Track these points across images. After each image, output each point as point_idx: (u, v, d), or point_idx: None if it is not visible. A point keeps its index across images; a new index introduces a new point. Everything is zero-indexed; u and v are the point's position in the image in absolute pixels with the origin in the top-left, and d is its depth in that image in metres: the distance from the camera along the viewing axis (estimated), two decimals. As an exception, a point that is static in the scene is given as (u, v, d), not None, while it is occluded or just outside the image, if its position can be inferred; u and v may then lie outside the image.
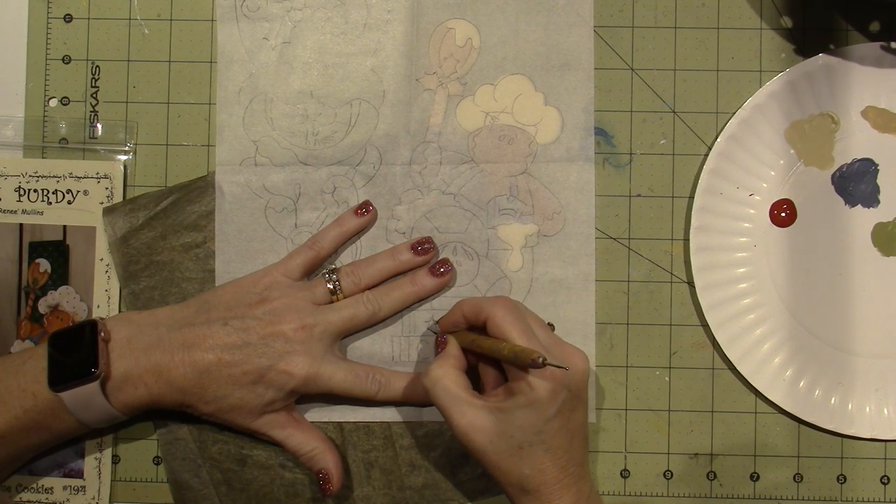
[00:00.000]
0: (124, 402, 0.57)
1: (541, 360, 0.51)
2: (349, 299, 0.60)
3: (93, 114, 0.64)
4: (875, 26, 0.63)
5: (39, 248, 0.63)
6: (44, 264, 0.63)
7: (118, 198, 0.63)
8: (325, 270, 0.62)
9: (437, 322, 0.61)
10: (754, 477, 0.63)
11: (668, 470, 0.63)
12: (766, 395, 0.62)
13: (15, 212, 0.63)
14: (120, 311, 0.63)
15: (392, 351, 0.62)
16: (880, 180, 0.63)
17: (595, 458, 0.63)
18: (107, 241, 0.63)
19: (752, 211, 0.63)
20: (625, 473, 0.63)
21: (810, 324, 0.63)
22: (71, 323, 0.63)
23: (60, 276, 0.63)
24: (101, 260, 0.63)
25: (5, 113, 0.64)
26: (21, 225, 0.63)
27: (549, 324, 0.62)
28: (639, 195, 0.63)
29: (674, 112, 0.63)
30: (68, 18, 0.64)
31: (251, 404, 0.58)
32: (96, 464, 0.63)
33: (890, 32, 0.63)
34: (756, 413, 0.63)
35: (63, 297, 0.63)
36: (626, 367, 0.63)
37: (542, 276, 0.63)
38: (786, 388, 0.62)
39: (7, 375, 0.56)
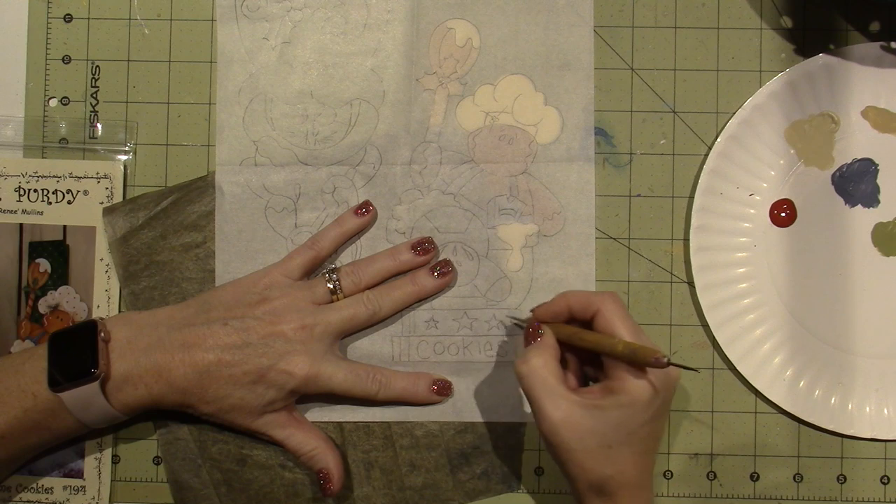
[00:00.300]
0: (124, 403, 0.57)
1: (665, 359, 0.50)
2: (349, 299, 0.60)
3: (93, 114, 0.64)
4: (875, 26, 0.63)
5: (39, 248, 0.63)
6: (44, 264, 0.63)
7: (118, 198, 0.63)
8: (325, 270, 0.62)
9: (532, 311, 0.58)
10: (754, 477, 0.63)
11: (668, 470, 0.63)
12: (766, 395, 0.62)
13: (15, 212, 0.63)
14: (120, 311, 0.63)
15: (392, 351, 0.62)
16: (880, 180, 0.63)
17: (595, 458, 0.63)
18: (107, 241, 0.63)
19: (752, 211, 0.63)
20: (625, 473, 0.63)
21: (810, 324, 0.63)
22: (71, 323, 0.63)
23: (60, 276, 0.63)
24: (101, 260, 0.63)
25: (5, 113, 0.64)
26: (21, 225, 0.63)
27: None
28: (639, 195, 0.63)
29: (674, 112, 0.63)
30: (68, 18, 0.64)
31: (251, 404, 0.58)
32: (96, 464, 0.63)
33: (890, 32, 0.63)
34: (756, 413, 0.63)
35: (63, 297, 0.63)
36: (626, 367, 0.63)
37: (542, 276, 0.63)
38: (786, 388, 0.62)
39: (7, 375, 0.56)
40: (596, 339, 0.54)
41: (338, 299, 0.60)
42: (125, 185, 0.64)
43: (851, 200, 0.63)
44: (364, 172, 0.63)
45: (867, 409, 0.62)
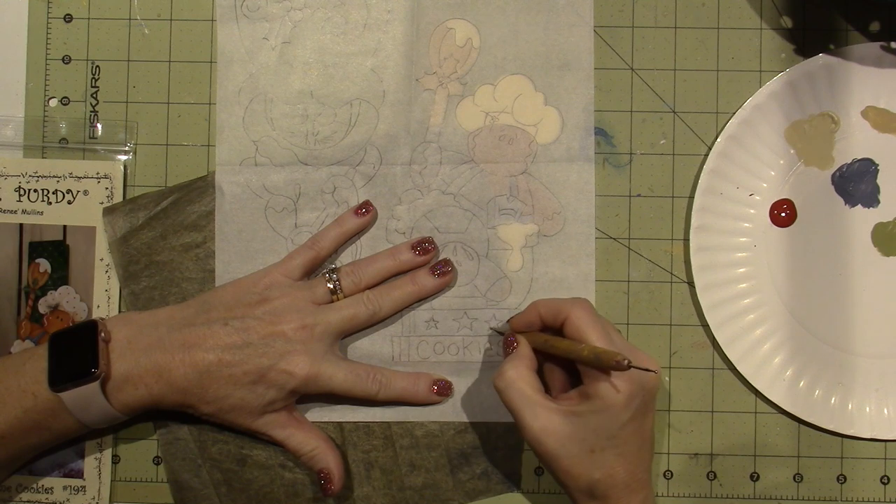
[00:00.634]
0: (124, 403, 0.57)
1: (626, 362, 0.50)
2: (349, 299, 0.60)
3: (93, 114, 0.64)
4: (875, 26, 0.63)
5: (39, 248, 0.63)
6: (44, 264, 0.63)
7: (118, 198, 0.63)
8: (325, 270, 0.62)
9: (508, 321, 0.60)
10: (754, 477, 0.63)
11: (668, 470, 0.63)
12: (766, 395, 0.62)
13: (15, 212, 0.63)
14: (120, 312, 0.63)
15: (392, 351, 0.62)
16: (880, 180, 0.63)
17: (595, 458, 0.63)
18: (107, 241, 0.63)
19: (752, 211, 0.63)
20: (625, 473, 0.63)
21: (810, 324, 0.63)
22: (71, 323, 0.63)
23: (60, 276, 0.63)
24: (101, 260, 0.63)
25: (5, 113, 0.64)
26: (21, 225, 0.63)
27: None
28: (639, 195, 0.63)
29: (674, 112, 0.63)
30: (68, 18, 0.64)
31: (252, 404, 0.58)
32: (96, 464, 0.63)
33: (890, 32, 0.63)
34: (756, 413, 0.63)
35: (63, 297, 0.63)
36: (626, 367, 0.63)
37: (542, 277, 0.63)
38: (786, 388, 0.62)
39: (7, 375, 0.56)
40: (565, 346, 0.55)
41: (338, 299, 0.60)
42: (125, 185, 0.64)
43: (851, 200, 0.63)
44: (364, 172, 0.63)
45: (867, 409, 0.62)
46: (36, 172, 0.63)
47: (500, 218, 0.63)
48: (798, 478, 0.63)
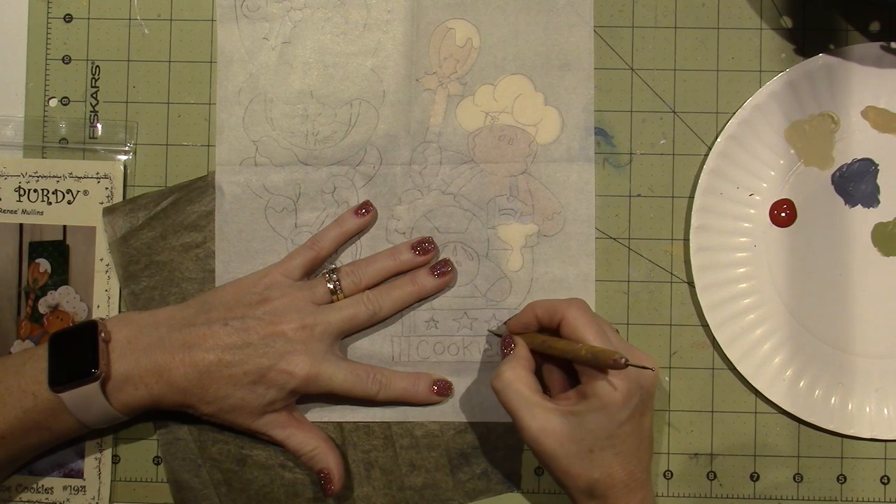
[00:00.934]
0: (124, 403, 0.57)
1: (623, 360, 0.50)
2: (349, 299, 0.60)
3: (93, 114, 0.64)
4: (875, 26, 0.63)
5: (39, 248, 0.63)
6: (44, 264, 0.63)
7: (118, 198, 0.63)
8: (325, 270, 0.62)
9: (506, 323, 0.60)
10: (754, 477, 0.63)
11: (668, 470, 0.63)
12: (766, 395, 0.62)
13: (15, 212, 0.63)
14: (120, 312, 0.63)
15: (392, 351, 0.62)
16: (880, 180, 0.63)
17: (595, 458, 0.63)
18: (107, 241, 0.63)
19: (752, 211, 0.63)
20: (625, 473, 0.63)
21: (810, 324, 0.63)
22: (71, 323, 0.63)
23: (60, 276, 0.63)
24: (101, 260, 0.63)
25: (5, 113, 0.64)
26: (21, 225, 0.63)
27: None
28: (639, 195, 0.63)
29: (674, 112, 0.63)
30: (68, 18, 0.64)
31: (252, 404, 0.58)
32: (96, 464, 0.63)
33: (890, 32, 0.63)
34: (756, 413, 0.63)
35: (63, 297, 0.63)
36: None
37: (542, 277, 0.63)
38: (786, 388, 0.62)
39: (7, 376, 0.56)
40: (563, 346, 0.55)
41: (338, 299, 0.60)
42: (125, 185, 0.64)
43: (851, 200, 0.63)
44: (364, 172, 0.63)
45: (867, 409, 0.62)
46: (36, 172, 0.63)
47: (500, 218, 0.63)
48: (798, 478, 0.63)
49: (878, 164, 0.63)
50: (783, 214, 0.63)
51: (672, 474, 0.63)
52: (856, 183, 0.63)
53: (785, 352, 0.62)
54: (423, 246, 0.62)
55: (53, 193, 0.63)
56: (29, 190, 0.63)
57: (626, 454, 0.53)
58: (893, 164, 0.63)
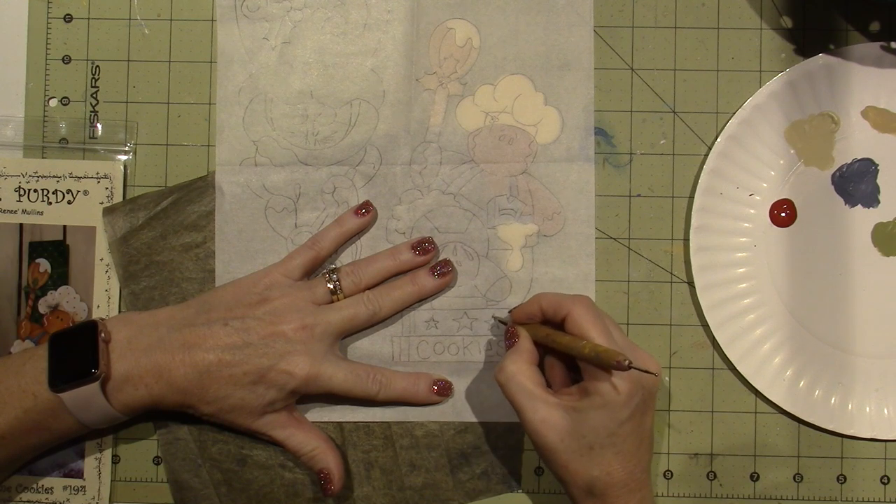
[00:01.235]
0: (124, 403, 0.57)
1: (626, 362, 0.50)
2: (349, 299, 0.60)
3: (93, 114, 0.64)
4: (875, 26, 0.63)
5: (39, 248, 0.63)
6: (44, 264, 0.63)
7: (118, 198, 0.63)
8: (325, 270, 0.62)
9: (510, 312, 0.60)
10: (754, 477, 0.63)
11: (668, 470, 0.63)
12: (766, 395, 0.62)
13: (15, 212, 0.63)
14: (120, 312, 0.63)
15: (392, 351, 0.62)
16: (880, 180, 0.63)
17: (595, 458, 0.63)
18: (107, 241, 0.63)
19: (752, 211, 0.63)
20: (625, 473, 0.63)
21: (810, 324, 0.63)
22: (71, 323, 0.63)
23: (60, 276, 0.63)
24: (101, 260, 0.63)
25: (5, 113, 0.64)
26: (21, 225, 0.63)
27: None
28: (639, 195, 0.63)
29: (674, 112, 0.63)
30: (68, 18, 0.64)
31: (252, 404, 0.58)
32: (96, 464, 0.63)
33: (890, 32, 0.63)
34: (756, 413, 0.63)
35: (63, 297, 0.63)
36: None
37: (542, 277, 0.63)
38: (786, 388, 0.62)
39: (7, 376, 0.56)
40: (567, 342, 0.55)
41: (338, 299, 0.60)
42: (125, 185, 0.64)
43: (851, 200, 0.63)
44: (364, 172, 0.63)
45: (867, 409, 0.62)
46: (36, 172, 0.63)
47: (500, 218, 0.63)
48: (798, 478, 0.63)
49: (878, 164, 0.63)
50: (783, 214, 0.63)
51: (672, 474, 0.63)
52: (856, 183, 0.63)
53: (785, 352, 0.62)
54: (423, 246, 0.62)
55: (53, 193, 0.63)
56: (29, 190, 0.63)
57: (626, 453, 0.53)
58: (893, 164, 0.63)
